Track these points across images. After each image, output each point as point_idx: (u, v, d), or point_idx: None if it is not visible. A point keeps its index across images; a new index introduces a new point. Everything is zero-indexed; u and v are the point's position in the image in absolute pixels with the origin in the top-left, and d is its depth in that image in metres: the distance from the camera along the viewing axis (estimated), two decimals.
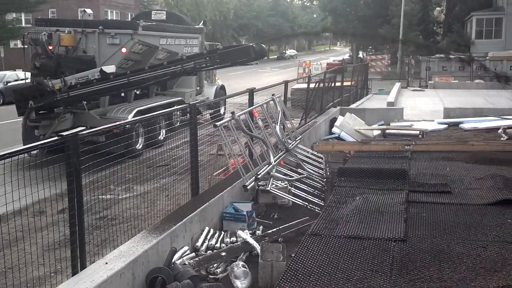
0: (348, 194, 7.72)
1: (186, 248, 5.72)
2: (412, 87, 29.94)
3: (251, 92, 9.13)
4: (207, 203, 6.49)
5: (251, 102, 9.12)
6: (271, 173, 7.77)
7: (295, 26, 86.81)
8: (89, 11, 15.07)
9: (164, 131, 12.95)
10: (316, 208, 7.30)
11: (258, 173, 7.50)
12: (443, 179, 8.33)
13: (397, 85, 27.14)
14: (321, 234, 6.06)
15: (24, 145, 4.33)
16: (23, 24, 40.64)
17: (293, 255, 5.42)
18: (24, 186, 4.35)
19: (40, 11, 36.44)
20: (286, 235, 6.38)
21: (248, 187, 7.06)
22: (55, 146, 4.60)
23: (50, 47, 13.35)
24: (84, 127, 5.00)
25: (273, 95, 10.05)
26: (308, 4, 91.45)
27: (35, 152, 4.82)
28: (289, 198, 7.66)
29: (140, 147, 12.32)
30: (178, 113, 12.82)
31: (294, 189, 8.01)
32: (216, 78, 19.48)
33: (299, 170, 8.88)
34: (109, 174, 6.01)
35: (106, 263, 4.66)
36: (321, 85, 14.72)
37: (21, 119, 12.63)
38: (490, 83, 27.84)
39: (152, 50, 14.59)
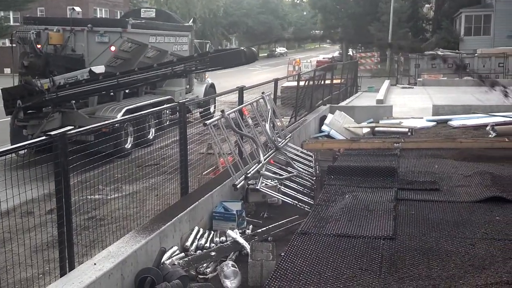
0: (338, 192, 7.74)
1: (175, 248, 5.70)
2: (401, 85, 30.04)
3: (240, 90, 9.12)
4: (197, 202, 6.47)
5: (240, 100, 9.11)
6: (261, 171, 7.77)
7: (285, 24, 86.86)
8: (78, 9, 14.99)
9: (153, 130, 12.91)
10: (306, 206, 7.31)
11: (248, 171, 7.50)
12: (432, 176, 8.38)
13: (387, 82, 27.22)
14: (310, 232, 6.07)
15: (12, 145, 4.28)
16: (11, 23, 40.30)
17: (282, 254, 5.42)
18: (11, 187, 4.32)
19: (28, 9, 36.12)
20: (276, 234, 6.39)
21: (238, 186, 7.05)
22: (43, 146, 4.57)
23: (39, 46, 13.25)
24: (73, 127, 4.97)
25: (263, 93, 10.04)
26: (298, 1, 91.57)
27: (23, 152, 4.79)
28: (279, 197, 7.66)
29: (129, 146, 12.26)
30: (167, 112, 12.79)
31: (284, 187, 8.01)
32: (206, 77, 19.43)
33: (289, 169, 8.89)
34: (98, 174, 5.98)
35: (95, 263, 4.63)
36: (311, 83, 14.74)
37: (9, 118, 12.52)
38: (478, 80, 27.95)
39: (141, 48, 14.53)
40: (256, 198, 7.77)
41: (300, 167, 9.14)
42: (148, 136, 12.55)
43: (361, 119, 15.09)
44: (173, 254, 5.56)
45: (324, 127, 13.48)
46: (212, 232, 6.41)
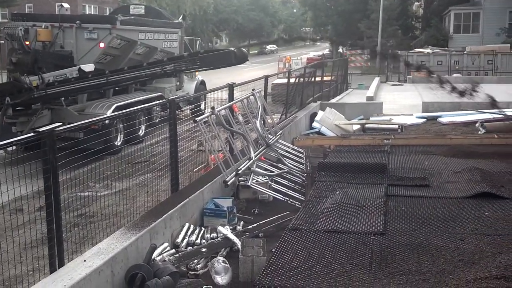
0: (328, 188, 7.75)
1: (166, 244, 5.69)
2: (391, 82, 30.20)
3: (231, 87, 9.10)
4: (187, 199, 6.46)
5: (231, 97, 9.09)
6: (252, 168, 7.77)
7: (275, 21, 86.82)
8: (66, 5, 14.86)
9: (143, 127, 12.86)
10: (297, 203, 7.31)
11: (239, 168, 7.49)
12: (422, 172, 8.42)
13: (377, 79, 27.35)
14: (301, 228, 6.07)
15: (0, 141, 4.25)
16: None
17: (273, 250, 5.42)
18: (0, 184, 4.28)
19: (16, 5, 35.80)
20: (267, 230, 6.39)
21: (229, 183, 7.04)
22: (32, 143, 4.53)
23: (27, 42, 13.14)
24: (62, 123, 4.94)
25: (253, 90, 10.03)
26: None
27: (11, 148, 4.75)
28: (269, 193, 7.66)
29: (119, 143, 12.21)
30: (157, 108, 12.75)
31: (274, 184, 8.01)
32: (196, 74, 19.38)
33: (280, 165, 8.89)
34: (88, 170, 5.94)
35: (85, 260, 4.61)
36: (301, 80, 14.75)
37: None
38: (468, 77, 28.18)
39: (130, 45, 14.45)
40: (247, 195, 7.77)
41: (290, 164, 9.15)
42: (138, 133, 12.49)
43: (351, 116, 15.14)
44: (164, 251, 5.55)
45: (314, 124, 13.51)
46: (203, 229, 6.40)
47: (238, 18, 74.44)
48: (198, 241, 6.00)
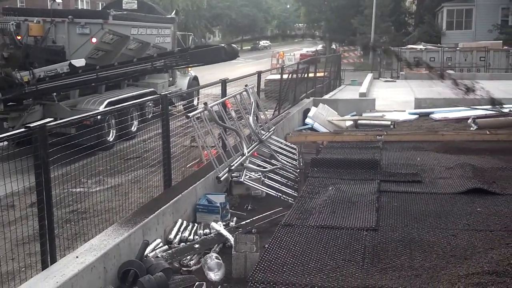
0: (321, 184, 7.76)
1: (158, 240, 5.67)
2: (384, 78, 30.24)
3: (223, 83, 9.08)
4: (180, 195, 6.44)
5: (224, 93, 9.07)
6: (245, 164, 7.76)
7: (269, 17, 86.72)
8: (58, 0, 14.76)
9: (136, 122, 12.82)
10: (290, 198, 7.32)
11: (232, 164, 7.47)
12: (414, 168, 8.45)
13: (369, 76, 27.39)
14: (294, 224, 6.08)
15: None
16: None
17: (266, 246, 5.42)
18: None
19: (8, 0, 35.48)
20: (260, 226, 6.38)
21: (222, 179, 7.03)
22: (23, 138, 4.50)
23: (19, 37, 13.05)
24: (54, 119, 4.91)
25: (246, 86, 10.01)
26: None
27: (2, 144, 4.71)
28: (262, 189, 7.66)
29: (111, 139, 12.16)
30: (150, 104, 12.71)
31: (267, 180, 8.01)
32: (189, 69, 19.33)
33: (273, 161, 8.89)
34: (80, 166, 5.91)
35: (77, 257, 4.58)
36: (294, 76, 14.74)
37: None
38: (460, 74, 28.28)
39: (123, 40, 14.39)
40: (240, 191, 7.76)
41: (283, 160, 9.15)
42: (131, 129, 12.45)
43: (344, 112, 15.15)
44: (157, 247, 5.53)
45: (307, 120, 13.51)
46: (196, 225, 6.39)
47: (231, 14, 74.29)
48: (191, 237, 5.98)
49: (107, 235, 5.08)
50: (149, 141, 8.39)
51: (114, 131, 12.40)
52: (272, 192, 7.54)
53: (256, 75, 11.70)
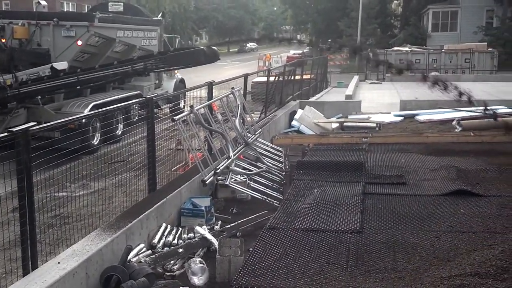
0: (307, 187, 7.78)
1: (142, 245, 5.64)
2: (370, 80, 30.40)
3: (210, 85, 9.06)
4: (165, 199, 6.40)
5: (210, 95, 9.05)
6: (230, 167, 7.75)
7: (256, 19, 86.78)
8: (43, 2, 14.63)
9: (121, 126, 12.73)
10: (275, 201, 7.32)
11: (217, 167, 7.46)
12: (399, 170, 8.51)
13: (356, 78, 27.51)
14: (279, 227, 6.09)
15: None
16: None
17: (251, 249, 5.42)
18: None
19: None
20: (245, 229, 6.37)
21: (207, 182, 7.02)
22: (5, 143, 4.44)
23: (3, 40, 12.90)
24: (38, 122, 4.86)
25: (232, 88, 10.00)
26: None
27: None
28: (248, 192, 7.65)
29: (96, 142, 12.07)
30: (136, 107, 12.64)
31: (253, 183, 8.00)
32: (176, 72, 19.26)
33: (259, 164, 8.88)
34: (64, 170, 5.85)
35: (59, 262, 4.54)
36: (281, 78, 14.76)
37: None
38: (445, 75, 28.51)
39: (109, 43, 14.29)
40: (225, 194, 7.75)
41: (269, 162, 9.16)
42: (116, 132, 12.37)
43: (330, 114, 15.20)
44: (140, 252, 5.50)
45: (294, 122, 13.54)
46: (180, 229, 6.36)
47: (218, 16, 74.21)
48: (175, 241, 5.95)
49: (90, 240, 5.04)
50: (134, 144, 8.33)
51: (99, 134, 12.31)
52: (258, 195, 7.54)
53: (243, 77, 11.70)
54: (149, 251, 5.63)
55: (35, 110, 12.57)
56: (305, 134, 12.75)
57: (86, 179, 7.63)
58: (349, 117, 14.73)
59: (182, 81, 19.49)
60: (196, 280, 5.01)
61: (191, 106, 7.56)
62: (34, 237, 4.56)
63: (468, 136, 10.72)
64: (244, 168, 8.45)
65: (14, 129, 4.48)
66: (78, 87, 12.71)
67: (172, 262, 5.44)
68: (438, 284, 4.42)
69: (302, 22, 60.39)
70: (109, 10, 16.24)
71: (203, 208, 6.65)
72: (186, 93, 12.03)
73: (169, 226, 6.31)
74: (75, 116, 6.20)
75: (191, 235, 6.07)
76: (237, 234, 6.18)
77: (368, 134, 11.33)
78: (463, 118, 12.33)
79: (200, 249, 5.77)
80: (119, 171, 7.41)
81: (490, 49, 34.26)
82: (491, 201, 6.85)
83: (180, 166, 8.67)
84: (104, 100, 13.70)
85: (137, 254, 5.39)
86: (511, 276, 4.42)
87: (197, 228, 6.11)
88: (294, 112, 14.29)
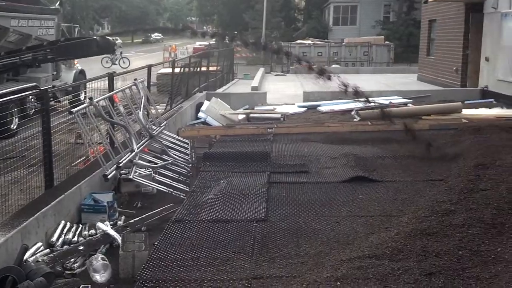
0: (213, 178, 7.78)
1: (39, 244, 5.36)
2: (275, 72, 30.97)
3: (111, 76, 8.77)
4: (63, 195, 6.12)
5: (111, 87, 8.76)
6: (134, 160, 7.56)
7: (161, 9, 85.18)
8: None
9: (17, 119, 11.98)
10: (181, 194, 7.26)
11: (120, 161, 7.25)
12: (302, 159, 8.74)
13: (261, 70, 27.92)
14: (185, 220, 6.04)
15: None
16: None
17: (156, 243, 5.33)
18: None
19: None
20: (150, 223, 6.27)
21: (109, 176, 6.79)
22: None
23: None
24: None
25: (135, 79, 9.75)
26: None
27: None
28: (153, 186, 7.51)
29: None
30: (31, 99, 11.95)
31: (158, 176, 7.87)
32: (75, 62, 18.45)
33: (164, 157, 8.76)
34: None
35: None
36: (187, 69, 14.62)
37: None
38: (345, 68, 29.71)
39: (2, 32, 13.35)
40: (129, 188, 7.56)
41: (175, 155, 9.06)
42: (11, 126, 11.62)
43: (237, 105, 15.30)
44: (37, 251, 5.23)
45: (200, 114, 13.48)
46: (81, 226, 6.12)
47: (121, 5, 71.91)
48: (75, 239, 5.72)
49: None
50: (30, 138, 7.87)
51: None
52: (163, 188, 7.43)
53: (146, 68, 11.44)
54: (48, 250, 5.36)
55: None
56: (211, 125, 12.74)
57: None
58: (255, 108, 14.91)
59: (82, 72, 18.69)
60: (98, 277, 4.85)
61: (90, 98, 7.27)
62: None
63: (366, 125, 11.22)
64: (149, 161, 8.29)
65: None
66: None
67: (72, 260, 5.23)
68: (339, 267, 4.60)
69: (208, 14, 60.23)
70: None
71: (105, 204, 6.44)
72: (87, 85, 11.55)
73: (68, 223, 6.05)
74: None
75: (93, 231, 5.86)
76: (142, 228, 6.06)
77: (273, 125, 11.53)
78: (362, 108, 12.88)
79: (102, 246, 5.59)
80: (13, 167, 6.98)
81: (387, 42, 36.15)
82: (387, 186, 7.22)
83: (81, 161, 8.33)
84: None
85: (34, 253, 5.12)
86: (405, 256, 4.67)
87: (99, 224, 5.91)
88: (201, 104, 14.22)
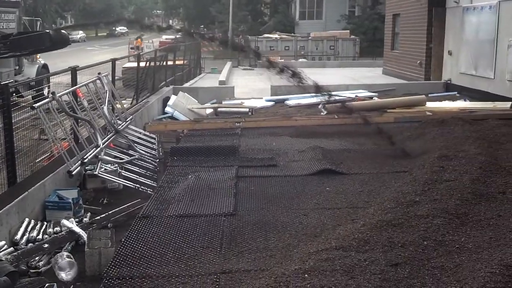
0: (181, 173, 7.73)
1: (3, 242, 5.22)
2: (243, 66, 30.95)
3: (73, 70, 8.58)
4: (26, 192, 5.98)
5: (74, 81, 8.58)
6: (100, 156, 7.44)
7: (125, 2, 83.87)
8: None
9: None
10: (148, 189, 7.17)
11: (85, 157, 7.12)
12: (270, 153, 8.76)
13: (229, 64, 27.86)
14: (152, 215, 5.98)
15: None
16: None
17: (122, 240, 5.26)
18: None
19: None
20: (117, 220, 6.17)
21: (73, 173, 6.66)
22: None
23: None
24: None
25: (99, 73, 9.58)
26: None
27: None
28: (119, 182, 7.41)
29: None
30: None
31: (125, 171, 7.77)
32: (38, 57, 18.04)
33: (131, 152, 8.64)
34: None
35: None
36: (153, 63, 14.45)
37: None
38: (312, 62, 29.92)
39: None
40: (94, 184, 7.43)
41: (142, 150, 8.95)
42: None
43: (204, 100, 15.22)
44: (1, 250, 5.09)
45: (167, 109, 13.36)
46: (46, 223, 5.99)
47: None
48: (40, 236, 5.59)
49: None
50: None
51: None
52: (130, 184, 7.33)
53: (110, 62, 11.25)
54: (11, 248, 5.23)
55: None
56: (179, 120, 12.64)
57: None
58: (223, 102, 14.86)
59: (45, 66, 18.31)
60: (64, 275, 4.75)
61: (53, 93, 7.11)
62: None
63: (332, 119, 11.33)
64: (115, 157, 8.16)
65: None
66: None
67: (37, 258, 5.11)
68: (306, 259, 4.62)
69: (174, 7, 59.64)
70: None
71: (70, 200, 6.32)
72: (50, 79, 11.28)
73: (33, 221, 5.91)
74: None
75: (58, 229, 5.74)
76: (108, 225, 5.97)
77: (241, 119, 11.52)
78: (328, 102, 12.98)
79: (68, 243, 5.48)
80: None
81: (353, 36, 36.54)
82: (354, 179, 7.30)
83: (45, 157, 8.15)
84: None
85: None
86: (371, 247, 4.73)
87: (64, 221, 5.79)
88: (168, 98, 14.09)
